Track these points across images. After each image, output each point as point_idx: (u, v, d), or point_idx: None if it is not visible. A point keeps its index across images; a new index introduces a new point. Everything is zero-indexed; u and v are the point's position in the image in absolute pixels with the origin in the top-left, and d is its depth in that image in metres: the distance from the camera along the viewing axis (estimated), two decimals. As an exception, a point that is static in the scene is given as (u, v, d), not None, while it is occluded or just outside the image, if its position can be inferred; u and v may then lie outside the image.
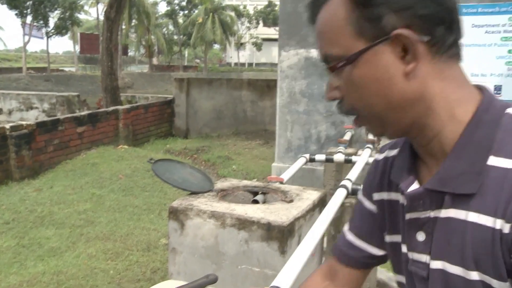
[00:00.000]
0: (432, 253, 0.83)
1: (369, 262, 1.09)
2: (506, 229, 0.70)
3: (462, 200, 0.77)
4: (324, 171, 4.51)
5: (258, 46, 45.80)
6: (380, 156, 1.05)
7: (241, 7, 42.95)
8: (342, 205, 3.01)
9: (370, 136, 5.44)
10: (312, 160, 4.30)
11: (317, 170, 5.94)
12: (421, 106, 0.79)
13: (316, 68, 6.06)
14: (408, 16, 0.75)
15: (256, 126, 12.58)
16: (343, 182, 3.20)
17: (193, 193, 2.78)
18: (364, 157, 4.12)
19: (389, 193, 0.98)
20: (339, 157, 4.30)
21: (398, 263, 0.95)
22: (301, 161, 4.14)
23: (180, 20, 42.13)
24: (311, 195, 3.02)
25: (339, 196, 2.89)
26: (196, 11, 38.60)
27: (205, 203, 2.60)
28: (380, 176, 1.01)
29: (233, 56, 51.33)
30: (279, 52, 6.25)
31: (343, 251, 1.11)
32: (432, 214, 0.83)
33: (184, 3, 40.57)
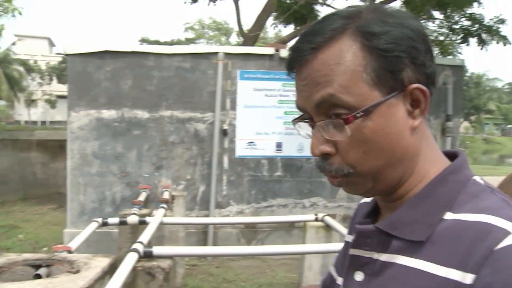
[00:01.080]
0: None
1: None
2: (467, 280, 0.67)
3: (411, 247, 0.76)
4: (118, 234, 4.39)
5: (52, 103, 43.16)
6: (362, 200, 1.04)
7: (32, 61, 40.23)
8: (134, 269, 2.95)
9: (165, 196, 5.50)
10: (105, 224, 4.16)
11: (114, 233, 5.74)
12: (412, 162, 0.79)
13: (108, 129, 5.96)
14: (420, 72, 0.76)
15: (48, 189, 11.66)
16: (135, 246, 3.15)
17: (-41, 276, 2.44)
18: (157, 218, 4.13)
19: (350, 236, 0.98)
20: (133, 219, 4.23)
21: None
22: (92, 226, 3.96)
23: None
24: (101, 263, 2.89)
25: (129, 261, 2.83)
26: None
27: (-27, 286, 2.30)
28: (353, 219, 1.03)
29: (23, 113, 47.39)
30: (68, 112, 6.00)
31: (324, 280, 1.10)
32: (375, 256, 0.81)
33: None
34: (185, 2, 9.75)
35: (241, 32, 10.19)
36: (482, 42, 8.58)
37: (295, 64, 0.80)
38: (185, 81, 6.18)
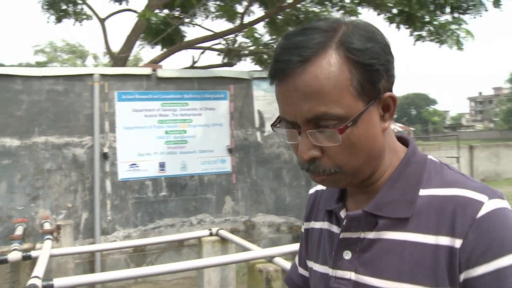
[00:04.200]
0: (358, 270, 0.92)
1: None
2: (457, 244, 0.82)
3: (398, 224, 0.89)
4: (-2, 274, 4.02)
5: None
6: (312, 190, 1.17)
7: None
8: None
9: (47, 226, 5.16)
10: (-19, 265, 3.79)
11: (-15, 275, 5.19)
12: (383, 156, 0.92)
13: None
14: (390, 81, 0.88)
15: None
16: (32, 281, 2.94)
17: None
18: (46, 249, 3.87)
19: (315, 222, 1.10)
20: (15, 256, 3.91)
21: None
22: (-30, 268, 3.59)
23: None
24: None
25: (33, 297, 2.64)
26: None
27: None
28: (310, 207, 1.14)
29: None
30: None
31: (296, 283, 1.21)
32: (362, 235, 0.93)
33: None
34: (48, 22, 9.25)
35: (109, 53, 9.91)
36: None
37: (283, 75, 0.85)
38: (59, 105, 5.86)
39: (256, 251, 3.68)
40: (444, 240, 0.84)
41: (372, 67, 0.84)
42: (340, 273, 0.95)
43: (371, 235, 0.92)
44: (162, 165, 6.36)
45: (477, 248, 0.81)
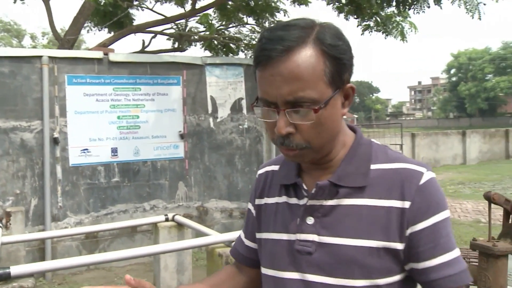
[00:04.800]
0: (320, 232, 1.09)
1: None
2: (406, 205, 1.04)
3: (356, 192, 1.08)
4: None
5: None
6: (261, 171, 1.32)
7: None
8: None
9: (-6, 214, 4.99)
10: None
11: None
12: (339, 137, 1.11)
13: None
14: (350, 73, 1.07)
15: None
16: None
17: None
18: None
19: (268, 198, 1.24)
20: (-35, 243, 3.78)
21: (265, 258, 1.20)
22: None
23: None
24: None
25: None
26: None
27: None
28: (262, 186, 1.28)
29: None
30: None
31: (242, 255, 1.35)
32: (324, 203, 1.10)
33: None
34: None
35: (55, 35, 9.54)
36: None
37: (268, 61, 1.00)
38: (5, 88, 5.64)
39: (215, 236, 3.74)
40: (395, 203, 1.05)
41: (341, 60, 1.02)
42: (304, 236, 1.11)
43: (331, 202, 1.09)
44: (114, 151, 6.28)
45: (421, 208, 1.04)
